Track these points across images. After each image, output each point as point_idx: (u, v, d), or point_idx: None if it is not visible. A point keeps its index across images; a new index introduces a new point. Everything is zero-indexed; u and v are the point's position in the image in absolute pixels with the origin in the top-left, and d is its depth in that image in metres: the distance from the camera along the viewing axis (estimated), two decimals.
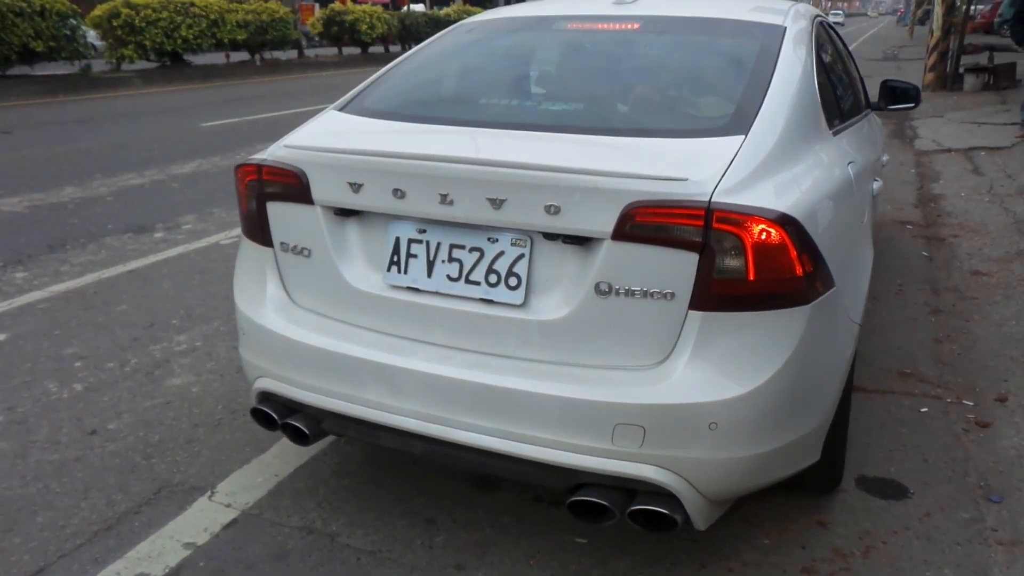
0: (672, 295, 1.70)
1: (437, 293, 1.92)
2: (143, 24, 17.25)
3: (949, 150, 7.97)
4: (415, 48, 2.76)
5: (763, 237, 1.65)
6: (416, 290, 1.95)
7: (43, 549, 2.17)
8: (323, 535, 2.21)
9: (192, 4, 18.46)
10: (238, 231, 2.52)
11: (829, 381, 1.94)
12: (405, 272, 1.96)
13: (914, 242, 5.00)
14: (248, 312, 2.17)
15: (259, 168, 2.12)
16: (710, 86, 2.28)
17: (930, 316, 3.75)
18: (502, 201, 1.79)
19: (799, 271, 1.70)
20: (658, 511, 1.73)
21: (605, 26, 2.53)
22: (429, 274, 1.93)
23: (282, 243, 2.13)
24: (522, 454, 1.79)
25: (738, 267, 1.66)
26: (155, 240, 5.15)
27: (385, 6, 31.41)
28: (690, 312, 1.70)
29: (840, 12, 73.70)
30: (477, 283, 1.88)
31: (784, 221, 1.67)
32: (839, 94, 2.84)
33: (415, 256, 1.95)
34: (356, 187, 1.95)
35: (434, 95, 2.53)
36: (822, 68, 2.51)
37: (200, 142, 9.02)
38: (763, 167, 1.79)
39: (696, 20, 2.53)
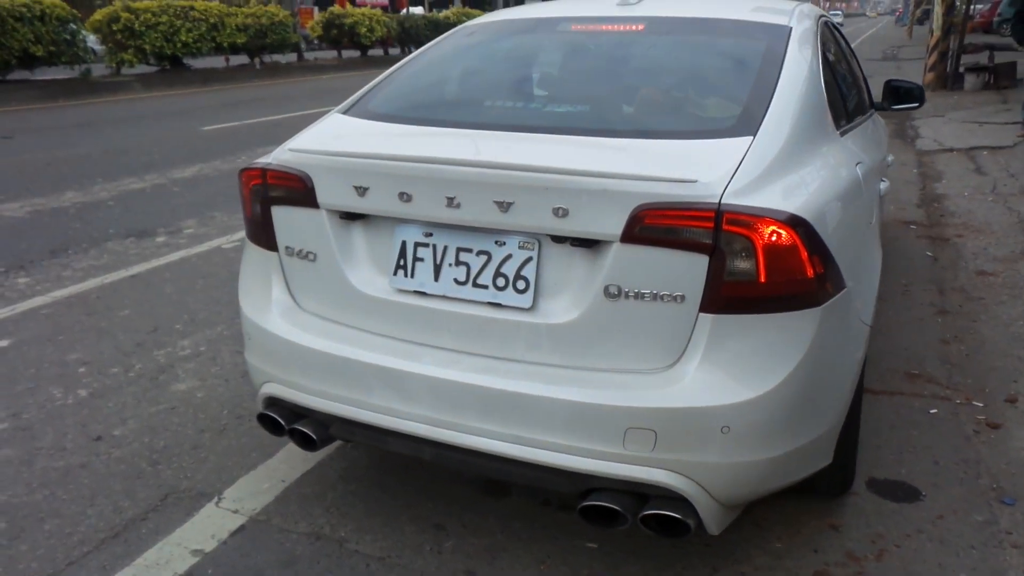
0: (682, 298, 1.69)
1: (444, 297, 1.91)
2: (143, 28, 17.28)
3: (951, 150, 7.96)
4: (419, 50, 2.74)
5: (774, 239, 1.64)
6: (423, 294, 1.94)
7: (51, 557, 2.15)
8: (331, 541, 2.19)
9: (192, 8, 18.50)
10: (240, 235, 2.51)
11: (841, 383, 1.93)
12: (412, 276, 1.95)
13: (918, 242, 4.98)
14: (253, 317, 2.16)
15: (264, 172, 2.11)
16: (717, 87, 2.27)
17: (937, 317, 3.73)
18: (509, 204, 1.77)
19: (810, 273, 1.68)
20: (671, 516, 1.71)
21: (610, 27, 2.52)
22: (436, 278, 1.92)
23: (287, 247, 2.12)
24: (533, 459, 1.77)
25: (749, 269, 1.65)
26: (157, 244, 5.14)
27: (384, 9, 31.45)
28: (700, 315, 1.69)
29: (839, 12, 73.70)
30: (485, 287, 1.86)
31: (795, 222, 1.66)
32: (845, 94, 2.83)
33: (422, 260, 1.94)
34: (362, 191, 1.94)
35: (439, 98, 2.52)
36: (828, 68, 2.50)
37: (200, 146, 9.01)
38: (772, 168, 1.78)
39: (701, 21, 2.52)
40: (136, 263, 4.74)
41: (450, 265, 1.90)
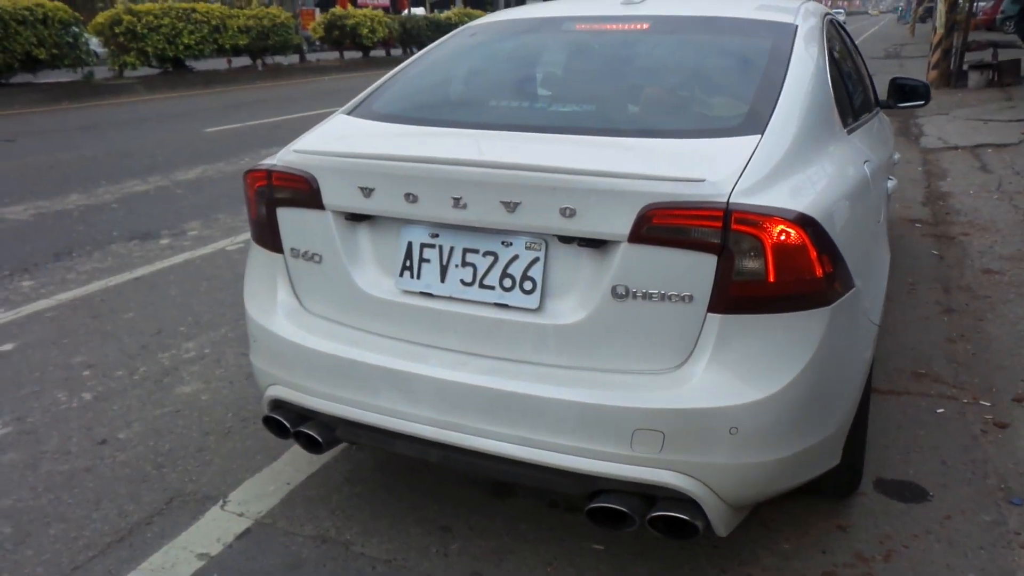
0: (690, 298, 1.68)
1: (451, 298, 1.90)
2: (145, 31, 17.31)
3: (955, 147, 7.94)
4: (423, 51, 2.74)
5: (782, 238, 1.63)
6: (429, 295, 1.93)
7: (56, 561, 2.15)
8: (337, 544, 2.18)
9: (194, 10, 18.52)
10: (244, 237, 2.50)
11: (849, 383, 1.92)
12: (418, 277, 1.94)
13: (924, 240, 4.96)
14: (259, 319, 2.15)
15: (269, 173, 2.10)
16: (723, 86, 2.26)
17: (943, 315, 3.71)
18: (516, 204, 1.76)
19: (819, 272, 1.67)
20: (679, 517, 1.70)
21: (614, 27, 2.51)
22: (442, 279, 1.91)
23: (293, 249, 2.11)
24: (540, 460, 1.76)
25: (757, 269, 1.64)
26: (161, 247, 5.14)
27: (385, 10, 31.46)
28: (709, 315, 1.68)
29: (841, 10, 73.65)
30: (491, 287, 1.85)
31: (803, 221, 1.64)
32: (851, 92, 2.82)
33: (428, 261, 1.93)
34: (367, 192, 1.93)
35: (444, 98, 2.51)
36: (834, 66, 2.49)
37: (203, 148, 9.01)
38: (780, 167, 1.77)
39: (706, 19, 2.51)
40: (140, 265, 4.74)
41: (456, 266, 1.89)
